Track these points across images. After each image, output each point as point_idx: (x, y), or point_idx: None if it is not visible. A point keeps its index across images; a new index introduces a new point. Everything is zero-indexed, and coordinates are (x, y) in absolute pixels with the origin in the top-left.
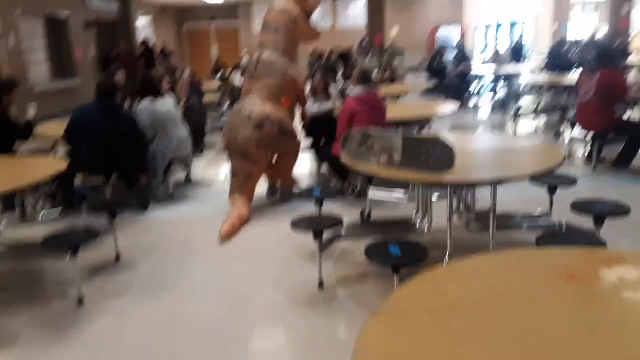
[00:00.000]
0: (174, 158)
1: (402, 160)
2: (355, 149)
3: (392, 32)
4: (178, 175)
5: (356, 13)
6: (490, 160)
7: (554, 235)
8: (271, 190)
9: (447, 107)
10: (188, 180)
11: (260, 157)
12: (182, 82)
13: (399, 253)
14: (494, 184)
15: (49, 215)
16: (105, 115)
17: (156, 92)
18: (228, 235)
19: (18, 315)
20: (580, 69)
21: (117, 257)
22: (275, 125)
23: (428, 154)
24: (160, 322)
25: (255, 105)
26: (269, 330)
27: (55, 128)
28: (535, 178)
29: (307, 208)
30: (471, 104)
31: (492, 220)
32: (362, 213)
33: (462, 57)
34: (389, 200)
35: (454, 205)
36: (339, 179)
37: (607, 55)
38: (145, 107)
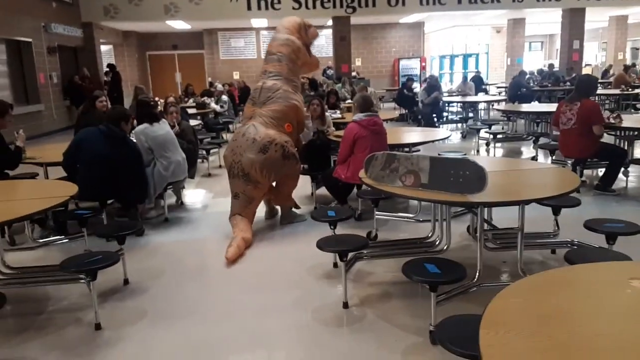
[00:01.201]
0: (170, 182)
1: (429, 182)
2: (378, 171)
3: (357, 63)
4: (169, 199)
5: (322, 43)
6: (511, 181)
7: (580, 253)
8: (270, 212)
9: (443, 132)
10: (180, 203)
11: (263, 180)
12: (172, 107)
13: (439, 271)
14: (524, 204)
15: (44, 241)
16: (109, 140)
17: (153, 117)
18: (234, 259)
19: (31, 341)
20: (537, 100)
21: (126, 282)
22: (279, 149)
23: (457, 175)
24: (182, 350)
25: (260, 129)
26: (302, 353)
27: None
28: (556, 198)
29: (309, 229)
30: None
31: (521, 239)
32: (368, 234)
33: (433, 87)
34: (396, 221)
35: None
36: (339, 202)
37: (586, 87)
38: (142, 131)
